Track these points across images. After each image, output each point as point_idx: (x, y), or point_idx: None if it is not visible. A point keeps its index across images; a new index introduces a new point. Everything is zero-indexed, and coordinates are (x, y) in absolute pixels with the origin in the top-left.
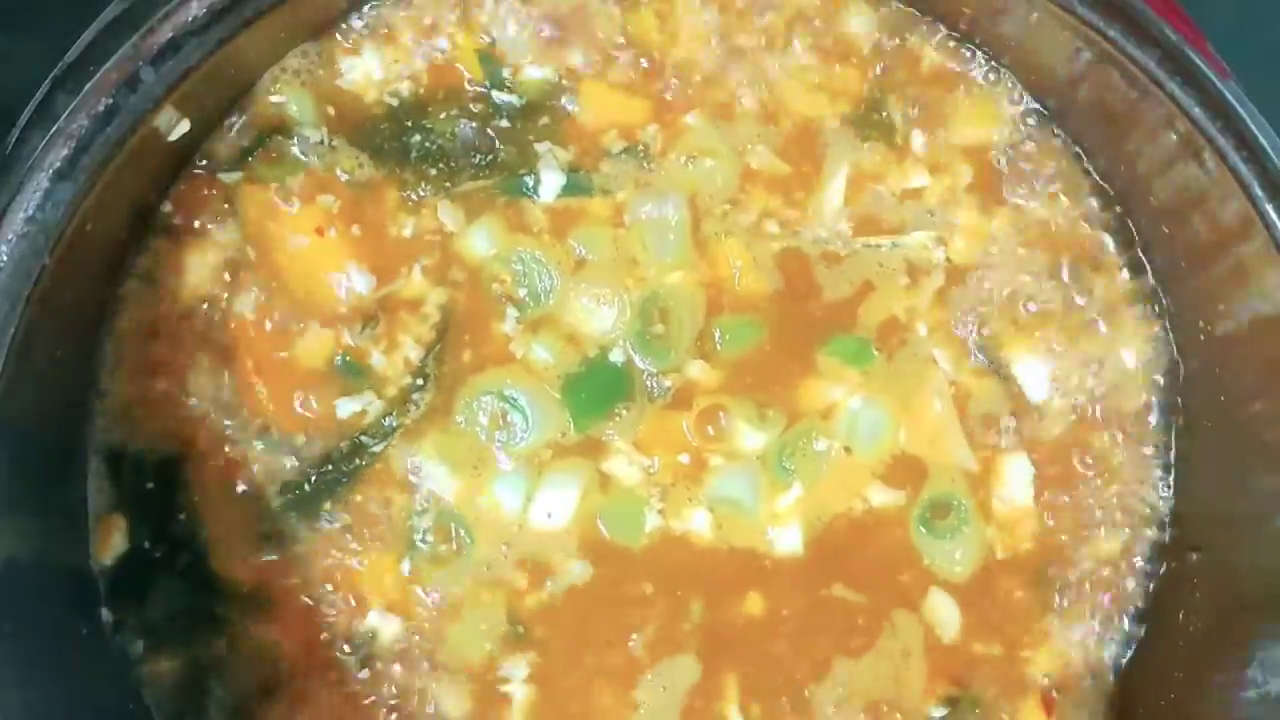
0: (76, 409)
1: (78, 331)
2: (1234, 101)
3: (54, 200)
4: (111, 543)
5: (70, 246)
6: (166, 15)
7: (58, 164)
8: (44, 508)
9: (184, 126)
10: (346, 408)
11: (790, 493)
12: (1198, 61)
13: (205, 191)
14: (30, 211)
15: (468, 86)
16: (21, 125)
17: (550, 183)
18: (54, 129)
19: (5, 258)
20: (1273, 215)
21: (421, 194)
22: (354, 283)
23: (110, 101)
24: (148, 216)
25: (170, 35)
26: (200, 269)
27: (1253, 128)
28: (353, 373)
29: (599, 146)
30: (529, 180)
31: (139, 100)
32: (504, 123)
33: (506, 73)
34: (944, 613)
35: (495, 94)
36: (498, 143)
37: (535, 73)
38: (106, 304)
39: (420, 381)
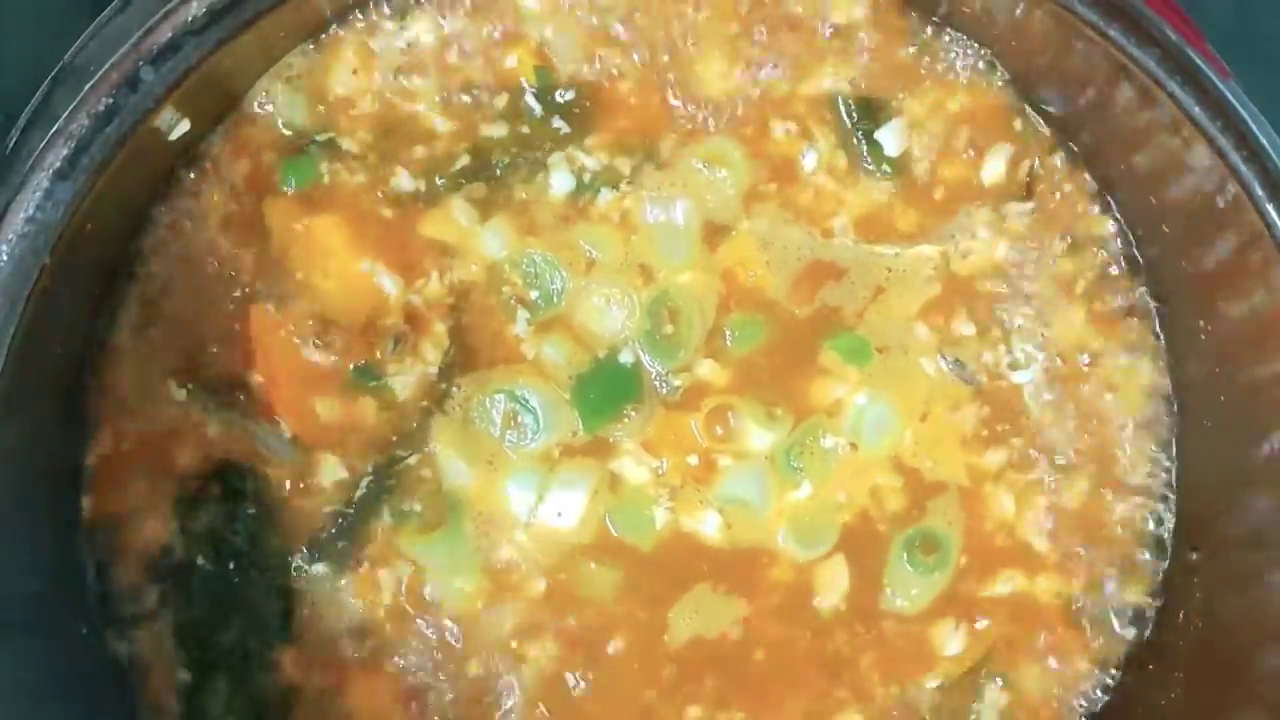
0: (77, 410)
1: (78, 331)
2: (1234, 101)
3: (54, 200)
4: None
5: (70, 246)
6: (166, 15)
7: (58, 164)
8: (44, 509)
9: (184, 126)
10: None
11: (799, 491)
12: (1198, 61)
13: (209, 193)
14: (30, 211)
15: (484, 88)
16: (21, 125)
17: (561, 185)
18: (54, 129)
19: (5, 257)
20: (1273, 215)
21: (434, 195)
22: (381, 284)
23: (110, 101)
24: (148, 216)
25: (170, 35)
26: (204, 271)
27: (1253, 128)
28: (369, 378)
29: (613, 150)
30: (541, 182)
31: (139, 100)
32: (524, 128)
33: (560, 74)
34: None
35: (526, 99)
36: (513, 146)
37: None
38: (107, 304)
39: (452, 389)
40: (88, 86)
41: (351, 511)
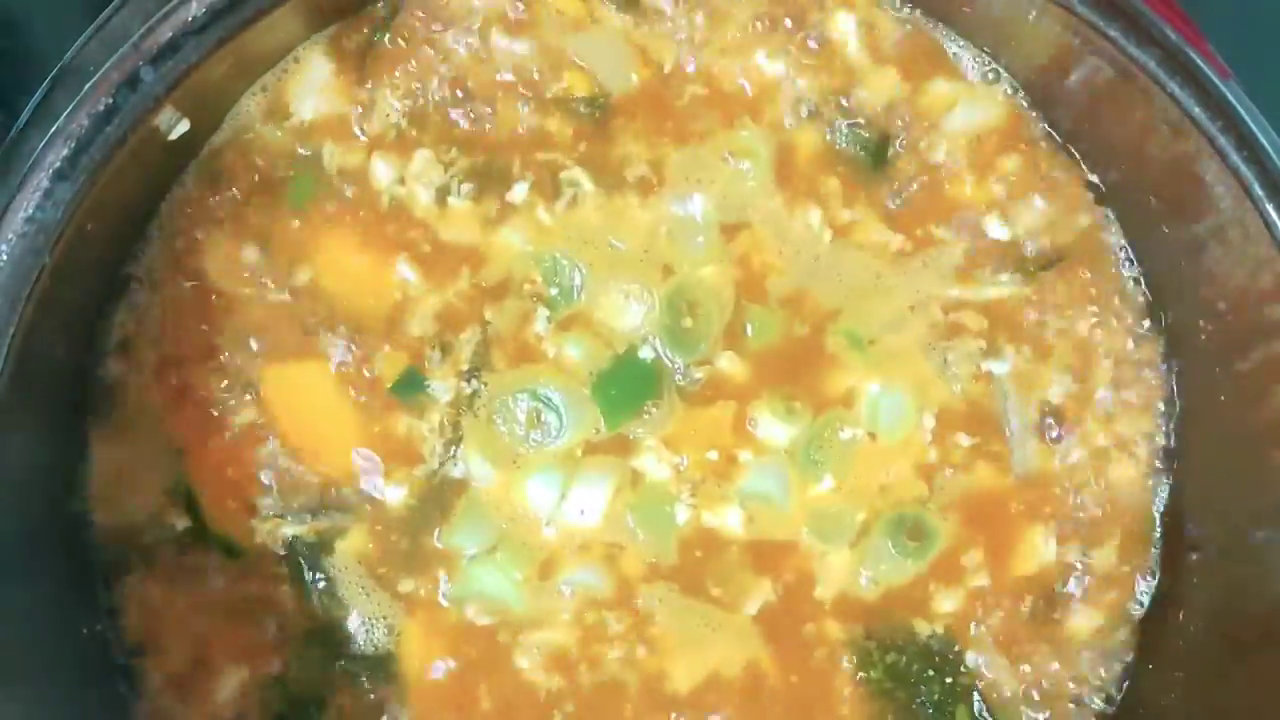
0: (77, 411)
1: (78, 332)
2: (1234, 101)
3: (54, 200)
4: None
5: (70, 246)
6: (166, 15)
7: (58, 164)
8: (43, 510)
9: (184, 126)
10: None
11: (821, 484)
12: (1198, 61)
13: (213, 194)
14: (30, 211)
15: (498, 87)
16: (21, 125)
17: (579, 182)
18: (54, 129)
19: (5, 258)
20: (1273, 215)
21: (456, 195)
22: (411, 292)
23: (110, 101)
24: (148, 217)
25: (170, 35)
26: (208, 272)
27: (1253, 128)
28: (414, 389)
29: (631, 143)
30: (558, 179)
31: (139, 100)
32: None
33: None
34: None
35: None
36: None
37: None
38: (107, 305)
39: (477, 387)
40: (88, 86)
41: (410, 535)
